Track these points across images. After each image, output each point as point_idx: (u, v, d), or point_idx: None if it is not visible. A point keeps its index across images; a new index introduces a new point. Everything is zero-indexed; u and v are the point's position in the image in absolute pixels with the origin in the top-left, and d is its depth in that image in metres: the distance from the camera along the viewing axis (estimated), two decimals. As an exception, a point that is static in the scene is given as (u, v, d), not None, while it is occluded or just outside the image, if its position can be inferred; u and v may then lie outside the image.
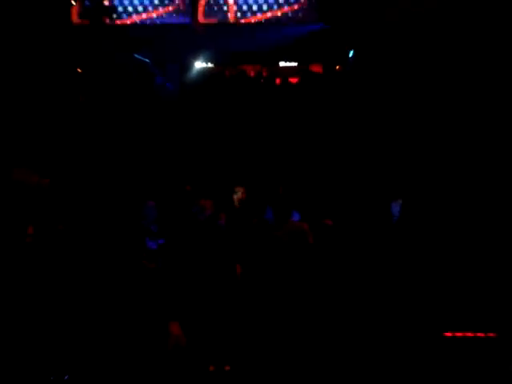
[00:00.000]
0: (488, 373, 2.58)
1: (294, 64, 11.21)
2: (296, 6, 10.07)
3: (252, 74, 11.51)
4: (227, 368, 2.58)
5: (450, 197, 6.82)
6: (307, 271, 5.01)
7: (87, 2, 8.85)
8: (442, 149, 8.20)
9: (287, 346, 3.55)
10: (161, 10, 10.14)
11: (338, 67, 11.21)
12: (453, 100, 8.51)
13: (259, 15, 10.19)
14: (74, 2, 8.44)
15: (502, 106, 8.11)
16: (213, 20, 10.32)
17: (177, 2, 10.12)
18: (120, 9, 9.90)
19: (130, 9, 10.01)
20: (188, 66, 11.17)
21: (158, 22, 10.21)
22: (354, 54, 10.47)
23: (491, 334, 3.27)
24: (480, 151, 7.82)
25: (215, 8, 10.19)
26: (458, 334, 3.53)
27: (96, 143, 8.55)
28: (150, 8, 10.09)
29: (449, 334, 3.59)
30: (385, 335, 3.73)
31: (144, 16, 10.11)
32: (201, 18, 10.24)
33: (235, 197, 6.58)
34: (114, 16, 9.70)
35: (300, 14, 10.06)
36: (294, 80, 10.98)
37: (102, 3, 9.08)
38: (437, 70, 8.78)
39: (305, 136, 9.42)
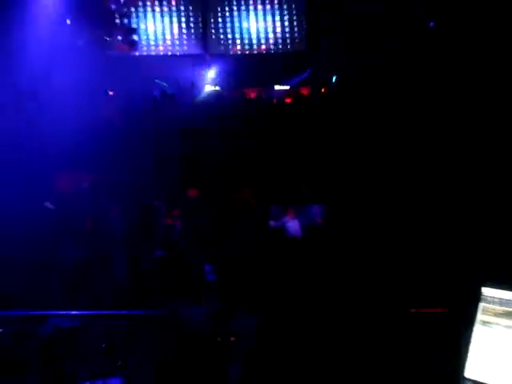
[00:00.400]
0: (443, 341, 2.61)
1: (287, 87, 11.21)
2: (288, 40, 10.10)
3: (253, 95, 11.55)
4: (233, 339, 2.57)
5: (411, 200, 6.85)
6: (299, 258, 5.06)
7: (119, 38, 8.91)
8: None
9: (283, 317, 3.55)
10: (178, 42, 10.19)
11: (323, 90, 11.25)
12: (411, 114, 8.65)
13: (257, 47, 10.22)
14: (107, 38, 8.47)
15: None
16: (220, 51, 10.35)
17: (192, 37, 10.16)
18: (145, 42, 9.94)
19: (153, 42, 10.06)
20: (199, 88, 11.20)
21: (173, 53, 10.25)
22: (336, 79, 10.51)
23: (446, 310, 3.32)
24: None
25: (222, 42, 10.22)
26: (422, 310, 3.57)
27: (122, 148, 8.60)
28: (170, 41, 10.13)
29: (413, 310, 3.63)
30: (363, 312, 3.76)
31: (165, 48, 10.15)
32: (210, 50, 10.27)
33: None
34: (141, 48, 9.75)
35: (291, 46, 10.09)
36: (287, 100, 11.01)
37: (131, 38, 9.15)
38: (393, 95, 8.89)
39: (296, 143, 9.51)
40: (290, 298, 4.06)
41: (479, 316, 2.22)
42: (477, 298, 2.23)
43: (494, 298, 2.21)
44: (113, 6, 8.52)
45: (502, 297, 2.19)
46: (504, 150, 7.40)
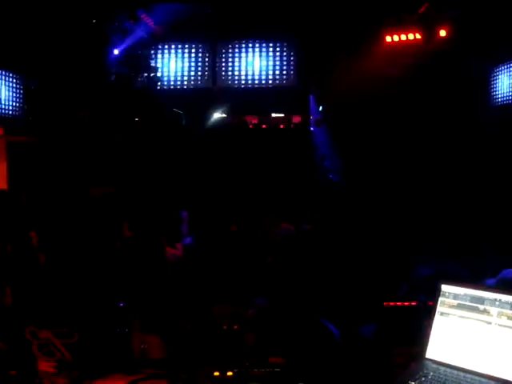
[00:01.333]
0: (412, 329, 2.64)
1: (282, 115, 11.24)
2: (283, 77, 10.20)
3: (254, 121, 11.56)
4: (236, 327, 2.56)
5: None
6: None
7: (144, 75, 9.00)
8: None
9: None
10: (192, 78, 10.28)
11: (312, 117, 11.29)
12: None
13: (257, 82, 10.31)
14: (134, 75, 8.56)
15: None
16: (226, 85, 10.42)
17: (202, 73, 10.26)
18: (165, 78, 10.05)
19: (171, 78, 10.16)
20: (209, 116, 11.22)
21: (188, 86, 10.34)
22: (322, 108, 10.59)
23: (414, 303, 3.32)
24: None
25: (228, 78, 10.31)
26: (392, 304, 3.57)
27: (144, 169, 8.66)
28: (185, 77, 10.23)
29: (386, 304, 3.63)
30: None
31: (181, 83, 10.26)
32: (218, 84, 10.34)
33: None
34: (161, 83, 9.87)
35: (285, 82, 10.18)
36: (281, 126, 11.05)
37: (152, 76, 9.25)
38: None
39: (287, 161, 9.63)
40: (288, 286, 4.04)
41: (438, 308, 2.27)
42: (436, 293, 2.28)
43: (450, 293, 2.27)
44: (139, 50, 8.60)
45: (457, 292, 2.25)
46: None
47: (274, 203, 8.01)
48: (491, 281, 3.60)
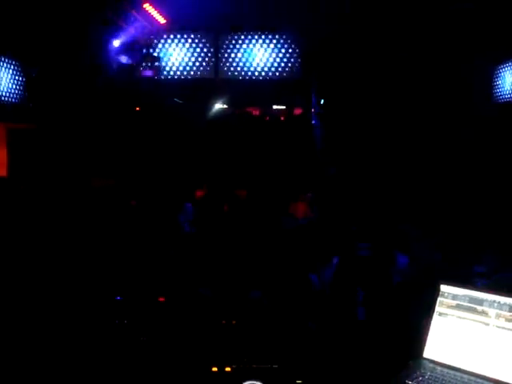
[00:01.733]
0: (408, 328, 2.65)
1: (283, 107, 11.19)
2: (285, 69, 10.14)
3: (255, 113, 11.53)
4: (234, 322, 2.56)
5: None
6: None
7: (145, 65, 8.96)
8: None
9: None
10: (194, 69, 10.23)
11: (313, 110, 11.24)
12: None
13: (260, 73, 10.25)
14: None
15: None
16: (228, 76, 10.36)
17: (204, 64, 10.20)
18: (166, 68, 10.01)
19: (173, 68, 10.11)
20: (210, 106, 11.17)
21: (189, 77, 10.28)
22: (324, 102, 10.55)
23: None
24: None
25: (230, 68, 10.24)
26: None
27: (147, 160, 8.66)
28: (187, 67, 10.17)
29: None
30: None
31: (182, 73, 10.21)
32: (220, 75, 10.29)
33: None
34: (163, 73, 9.84)
35: (287, 74, 10.12)
36: (282, 118, 11.02)
37: (156, 65, 9.22)
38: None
39: (287, 154, 9.65)
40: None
41: (437, 308, 2.28)
42: (436, 293, 2.29)
43: (448, 293, 2.27)
44: (142, 39, 8.54)
45: (455, 293, 2.25)
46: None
47: (273, 196, 8.02)
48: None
